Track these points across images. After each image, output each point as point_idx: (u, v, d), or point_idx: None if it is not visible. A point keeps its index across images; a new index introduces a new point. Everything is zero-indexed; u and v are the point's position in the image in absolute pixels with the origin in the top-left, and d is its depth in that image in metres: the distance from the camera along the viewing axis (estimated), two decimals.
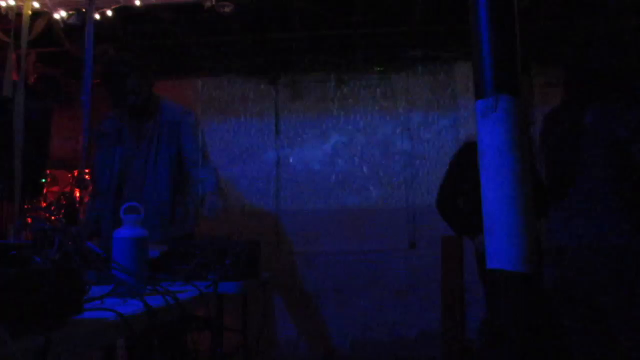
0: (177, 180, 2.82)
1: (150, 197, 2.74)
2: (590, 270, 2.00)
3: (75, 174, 5.32)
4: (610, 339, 2.02)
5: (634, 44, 2.30)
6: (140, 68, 2.75)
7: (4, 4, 3.04)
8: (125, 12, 3.47)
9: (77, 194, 5.28)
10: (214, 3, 3.20)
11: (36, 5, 3.10)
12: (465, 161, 2.81)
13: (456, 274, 3.78)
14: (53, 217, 4.30)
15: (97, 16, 3.19)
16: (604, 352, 2.04)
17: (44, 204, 4.70)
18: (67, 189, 5.21)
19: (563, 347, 2.09)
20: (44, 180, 3.05)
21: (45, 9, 3.19)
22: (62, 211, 4.79)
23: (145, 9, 3.34)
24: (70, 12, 3.25)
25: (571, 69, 2.30)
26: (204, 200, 2.70)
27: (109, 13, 3.28)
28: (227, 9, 3.37)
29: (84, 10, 3.17)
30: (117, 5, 3.22)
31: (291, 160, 4.66)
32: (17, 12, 3.06)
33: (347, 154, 4.63)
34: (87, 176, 3.51)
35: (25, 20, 2.98)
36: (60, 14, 3.22)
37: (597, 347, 2.06)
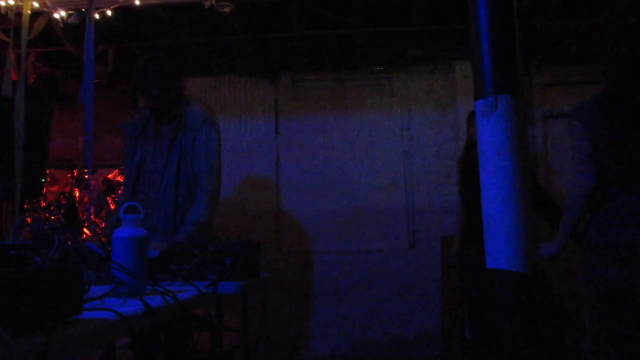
0: (192, 190, 2.69)
1: (164, 199, 2.66)
2: None
3: (75, 174, 5.33)
4: None
5: None
6: (164, 74, 2.63)
7: (4, 3, 3.04)
8: (125, 12, 3.47)
9: (77, 194, 5.29)
10: (214, 3, 3.20)
11: (36, 5, 3.10)
12: None
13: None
14: (53, 217, 4.30)
15: (97, 16, 3.19)
16: None
17: (44, 204, 4.71)
18: (67, 189, 5.22)
19: (562, 347, 2.09)
20: (44, 180, 3.05)
21: (45, 9, 3.19)
22: (62, 211, 4.80)
23: (145, 9, 3.34)
24: (70, 12, 3.25)
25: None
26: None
27: (109, 13, 3.28)
28: (227, 9, 3.37)
29: (84, 10, 3.17)
30: (117, 5, 3.22)
31: (291, 160, 4.65)
32: (17, 12, 3.06)
33: (346, 154, 4.63)
34: (86, 176, 3.50)
35: (25, 20, 2.99)
36: (60, 14, 3.22)
37: None
